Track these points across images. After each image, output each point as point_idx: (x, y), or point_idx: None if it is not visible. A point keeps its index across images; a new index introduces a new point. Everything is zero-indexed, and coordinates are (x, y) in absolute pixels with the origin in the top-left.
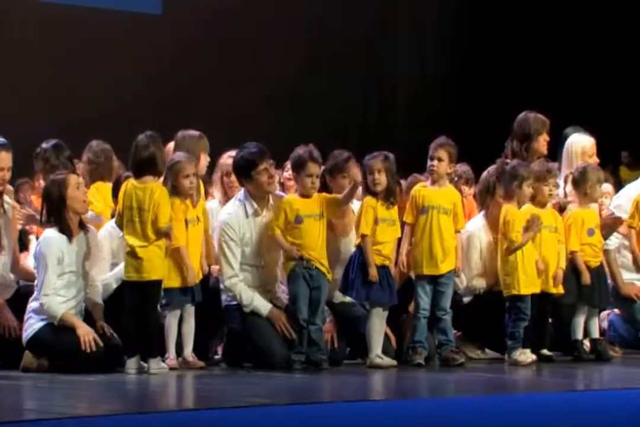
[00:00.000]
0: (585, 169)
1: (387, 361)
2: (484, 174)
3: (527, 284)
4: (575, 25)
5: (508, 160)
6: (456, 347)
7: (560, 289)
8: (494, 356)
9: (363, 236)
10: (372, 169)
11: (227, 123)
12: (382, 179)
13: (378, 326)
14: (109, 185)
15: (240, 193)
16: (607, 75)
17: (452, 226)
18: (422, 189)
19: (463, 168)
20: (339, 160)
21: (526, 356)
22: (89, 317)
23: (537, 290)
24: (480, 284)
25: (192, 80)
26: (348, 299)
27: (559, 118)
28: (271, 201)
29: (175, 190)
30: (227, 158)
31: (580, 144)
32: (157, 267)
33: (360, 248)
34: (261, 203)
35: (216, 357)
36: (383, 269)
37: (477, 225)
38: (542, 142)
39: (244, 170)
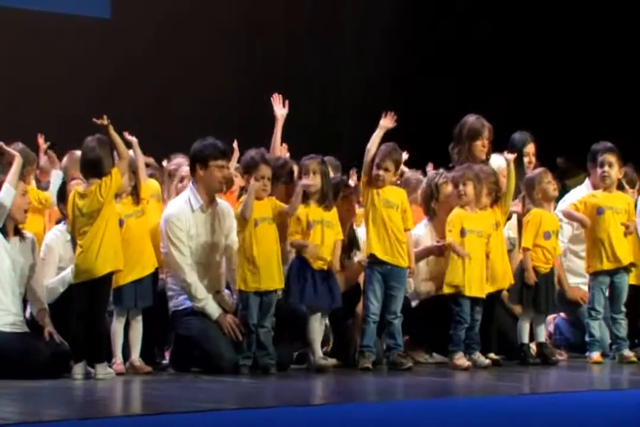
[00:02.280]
0: (534, 172)
1: (332, 361)
2: (425, 180)
3: (465, 288)
4: (516, 28)
5: (442, 170)
6: (404, 351)
7: (505, 284)
8: (442, 360)
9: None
10: (307, 169)
11: (177, 126)
12: (316, 180)
13: (318, 329)
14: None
15: (188, 189)
16: (547, 78)
17: (401, 221)
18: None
19: (415, 175)
20: (275, 167)
21: (464, 360)
22: (36, 322)
23: (478, 294)
24: (427, 288)
25: (143, 84)
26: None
27: (502, 123)
28: (218, 200)
29: None
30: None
31: (495, 165)
32: (107, 262)
33: (298, 252)
34: (207, 200)
35: (164, 362)
36: (322, 273)
37: (422, 230)
38: (479, 147)
39: (204, 157)
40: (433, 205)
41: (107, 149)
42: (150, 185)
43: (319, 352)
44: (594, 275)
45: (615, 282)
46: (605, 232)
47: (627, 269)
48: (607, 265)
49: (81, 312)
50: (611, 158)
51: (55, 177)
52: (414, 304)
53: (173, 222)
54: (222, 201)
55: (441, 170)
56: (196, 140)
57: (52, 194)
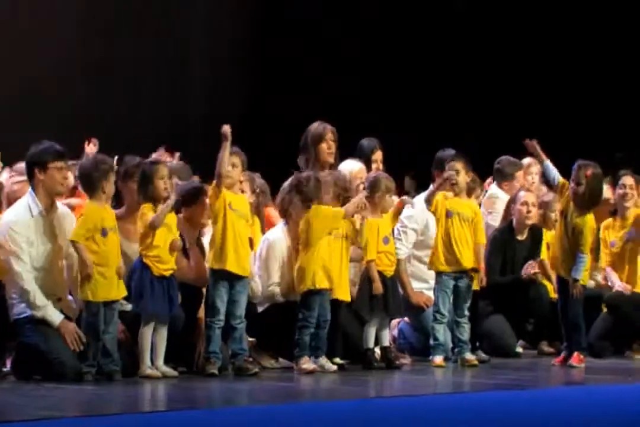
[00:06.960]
0: (375, 178)
1: (160, 371)
2: (283, 185)
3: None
4: (377, 29)
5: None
6: (250, 356)
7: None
8: (288, 365)
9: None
10: (162, 175)
11: (23, 129)
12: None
13: (148, 336)
14: None
15: (27, 193)
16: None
17: (249, 229)
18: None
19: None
20: (130, 166)
21: (310, 363)
22: None
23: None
24: (279, 292)
25: None
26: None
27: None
28: (57, 205)
29: None
30: None
31: (347, 171)
32: None
33: (141, 256)
34: (48, 204)
35: (4, 369)
36: (162, 279)
37: (277, 235)
38: (325, 150)
39: (43, 160)
40: (289, 211)
41: None
42: None
43: (147, 360)
44: (437, 275)
45: (459, 286)
46: (450, 235)
47: (469, 274)
48: (447, 267)
49: None
50: (458, 165)
51: None
52: (260, 309)
53: (12, 229)
54: (62, 206)
55: None
56: (32, 145)
57: None
